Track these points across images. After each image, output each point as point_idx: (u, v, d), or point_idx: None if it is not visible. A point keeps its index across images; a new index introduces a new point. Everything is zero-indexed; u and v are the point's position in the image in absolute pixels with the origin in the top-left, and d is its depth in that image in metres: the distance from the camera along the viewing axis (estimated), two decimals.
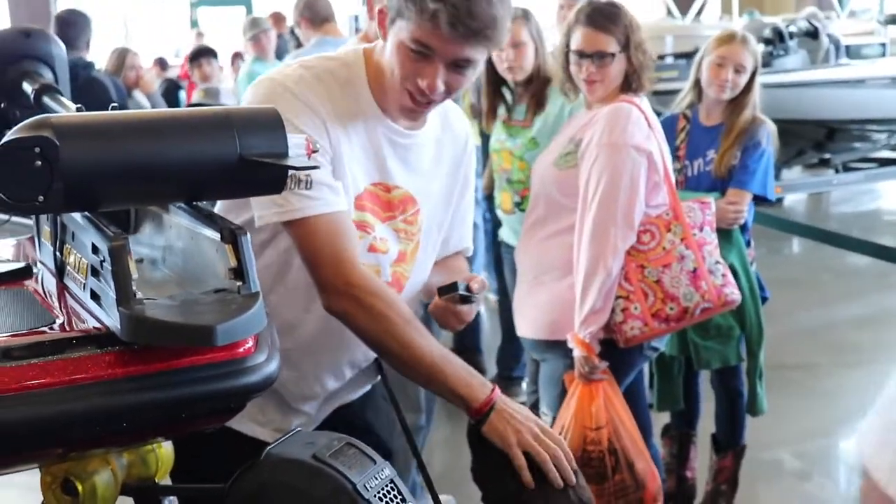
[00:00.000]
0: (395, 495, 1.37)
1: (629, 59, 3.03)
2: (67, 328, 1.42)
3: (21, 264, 1.70)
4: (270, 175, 1.44)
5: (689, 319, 3.01)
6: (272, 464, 1.39)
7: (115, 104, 1.73)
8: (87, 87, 5.42)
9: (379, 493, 1.34)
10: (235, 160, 1.38)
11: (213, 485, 1.48)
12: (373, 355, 2.10)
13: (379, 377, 2.22)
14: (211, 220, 1.38)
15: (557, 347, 3.08)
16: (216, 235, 1.35)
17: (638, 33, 3.07)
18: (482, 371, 5.45)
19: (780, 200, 7.53)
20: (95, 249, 1.35)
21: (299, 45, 6.54)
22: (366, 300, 1.88)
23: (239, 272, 1.31)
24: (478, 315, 5.59)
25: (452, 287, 2.00)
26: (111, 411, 1.24)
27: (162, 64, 13.04)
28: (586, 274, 2.93)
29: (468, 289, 2.01)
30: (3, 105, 1.86)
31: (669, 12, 11.84)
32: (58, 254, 1.56)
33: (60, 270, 1.55)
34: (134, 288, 1.26)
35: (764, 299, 3.76)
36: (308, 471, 1.34)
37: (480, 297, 2.06)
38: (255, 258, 1.37)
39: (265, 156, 1.41)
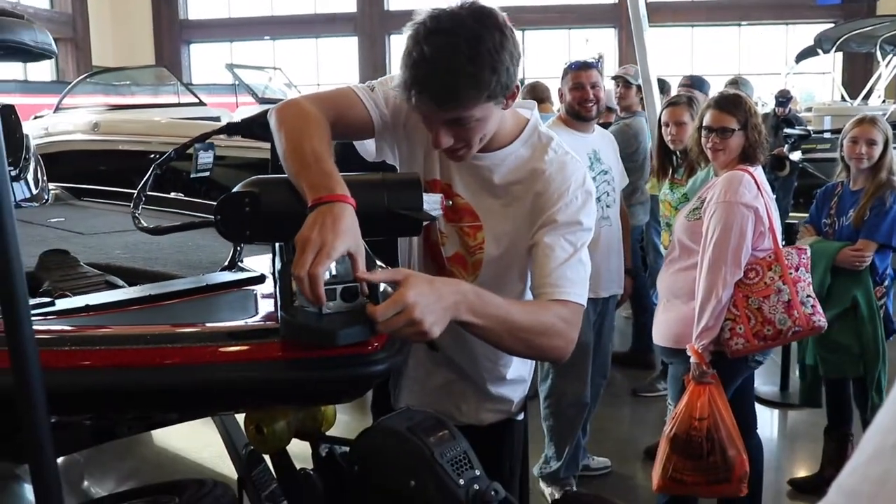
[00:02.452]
0: (464, 463, 1.28)
1: (746, 136, 2.83)
2: (263, 322, 1.44)
3: (255, 273, 1.75)
4: (408, 224, 1.43)
5: (783, 340, 2.74)
6: (379, 430, 1.36)
7: None
8: None
9: (452, 460, 1.27)
10: (385, 212, 1.38)
11: (346, 438, 1.48)
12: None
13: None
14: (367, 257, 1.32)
15: (680, 354, 2.88)
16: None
17: (755, 118, 2.87)
18: (651, 365, 5.22)
19: None
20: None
21: None
22: (294, 103, 1.52)
23: (370, 294, 1.28)
24: (651, 319, 5.37)
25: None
26: (265, 382, 1.25)
27: None
28: (702, 300, 2.73)
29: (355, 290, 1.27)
30: None
31: (843, 97, 11.14)
32: (274, 268, 1.60)
33: (275, 281, 1.59)
34: (294, 298, 1.27)
35: (893, 331, 3.42)
36: (400, 438, 1.29)
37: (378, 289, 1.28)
38: None
39: (406, 209, 1.40)
